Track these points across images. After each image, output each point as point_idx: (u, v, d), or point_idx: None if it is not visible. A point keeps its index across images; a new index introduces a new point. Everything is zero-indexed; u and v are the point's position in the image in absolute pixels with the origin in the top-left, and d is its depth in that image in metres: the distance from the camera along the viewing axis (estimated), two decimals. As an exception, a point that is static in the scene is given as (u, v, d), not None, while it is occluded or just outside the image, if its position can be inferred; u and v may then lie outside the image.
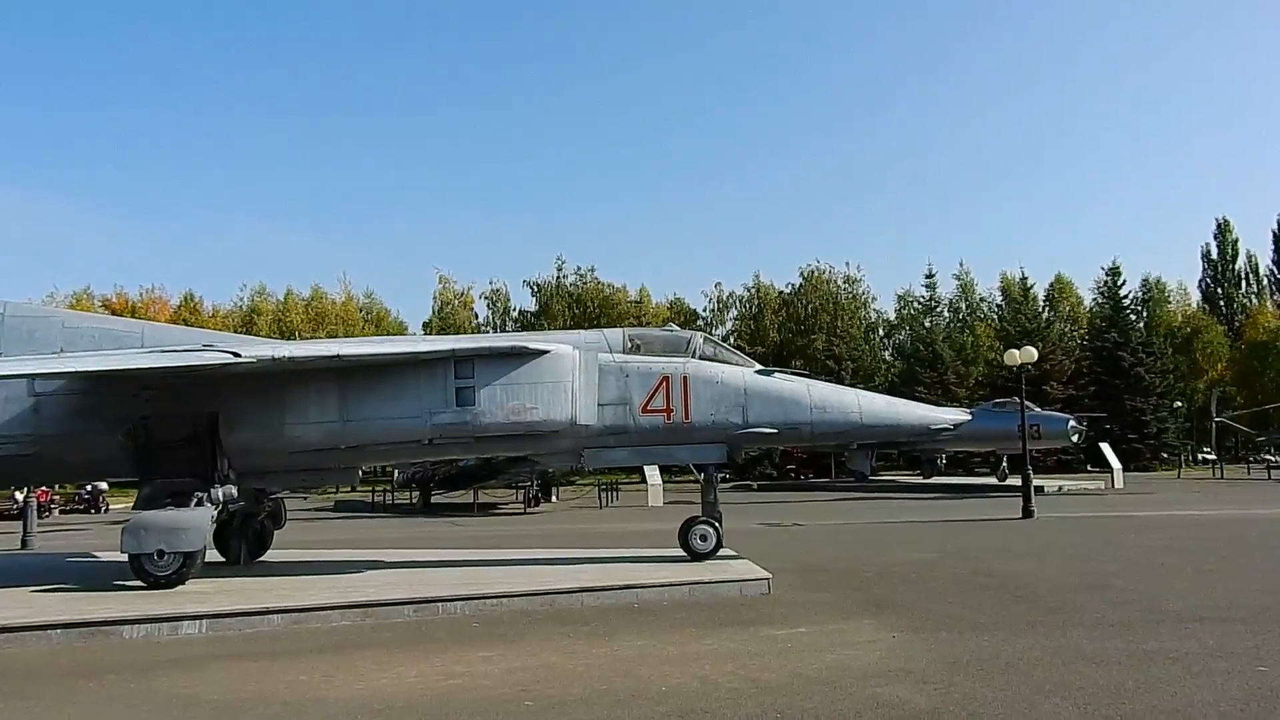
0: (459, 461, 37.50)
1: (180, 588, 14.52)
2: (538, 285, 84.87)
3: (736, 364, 17.20)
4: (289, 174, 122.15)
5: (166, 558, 14.48)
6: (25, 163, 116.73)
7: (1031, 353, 33.53)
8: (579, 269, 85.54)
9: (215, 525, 15.16)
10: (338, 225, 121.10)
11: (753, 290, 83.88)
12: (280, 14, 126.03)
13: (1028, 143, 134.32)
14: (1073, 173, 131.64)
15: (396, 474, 46.61)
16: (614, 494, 44.58)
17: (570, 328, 58.47)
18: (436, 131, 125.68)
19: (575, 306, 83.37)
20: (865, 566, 17.95)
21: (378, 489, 49.64)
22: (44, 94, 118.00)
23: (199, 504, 14.95)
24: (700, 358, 16.90)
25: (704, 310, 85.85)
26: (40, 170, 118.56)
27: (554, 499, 45.83)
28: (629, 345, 16.88)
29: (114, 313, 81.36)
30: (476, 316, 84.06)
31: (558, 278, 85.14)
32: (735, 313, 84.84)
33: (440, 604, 13.40)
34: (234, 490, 15.43)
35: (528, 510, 39.70)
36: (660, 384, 16.53)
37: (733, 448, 17.13)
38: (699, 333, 17.75)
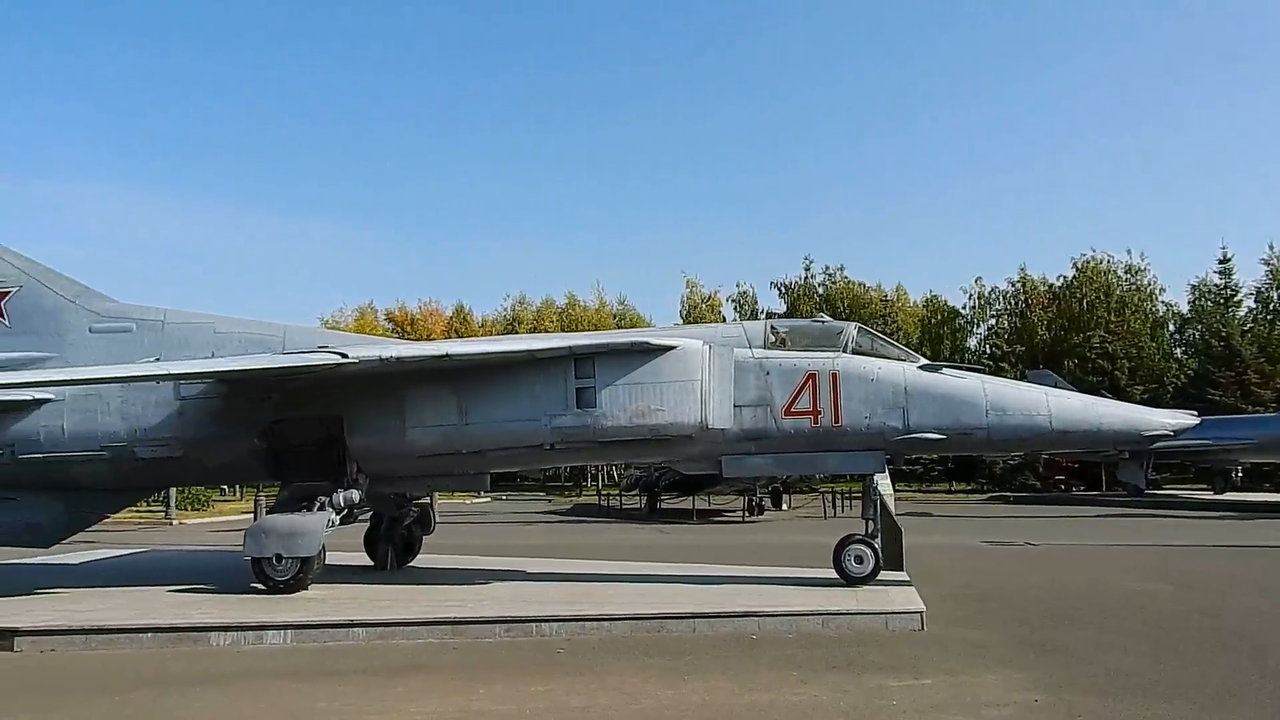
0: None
1: (302, 593, 14.28)
2: (785, 286, 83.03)
3: (897, 358, 14.95)
4: (545, 188, 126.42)
5: (285, 562, 14.29)
6: (305, 186, 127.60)
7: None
8: (827, 268, 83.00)
9: (333, 529, 14.76)
10: (589, 234, 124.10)
11: (1018, 285, 77.72)
12: (522, 33, 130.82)
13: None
14: None
15: (622, 478, 46.46)
16: (847, 503, 41.99)
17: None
18: (683, 137, 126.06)
19: (824, 307, 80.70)
20: (1058, 598, 15.19)
21: (611, 493, 49.85)
22: (326, 119, 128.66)
23: (320, 509, 14.65)
24: (854, 352, 14.82)
25: (963, 308, 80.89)
26: (322, 193, 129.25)
27: (784, 507, 43.94)
28: (772, 339, 15.07)
29: (395, 324, 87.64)
30: (724, 320, 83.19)
31: (805, 278, 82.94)
32: (998, 309, 79.01)
33: (535, 624, 12.29)
34: (355, 495, 15.01)
35: (746, 519, 38.02)
36: (806, 382, 14.59)
37: (892, 455, 14.89)
38: (853, 323, 15.61)
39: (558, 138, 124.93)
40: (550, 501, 58.35)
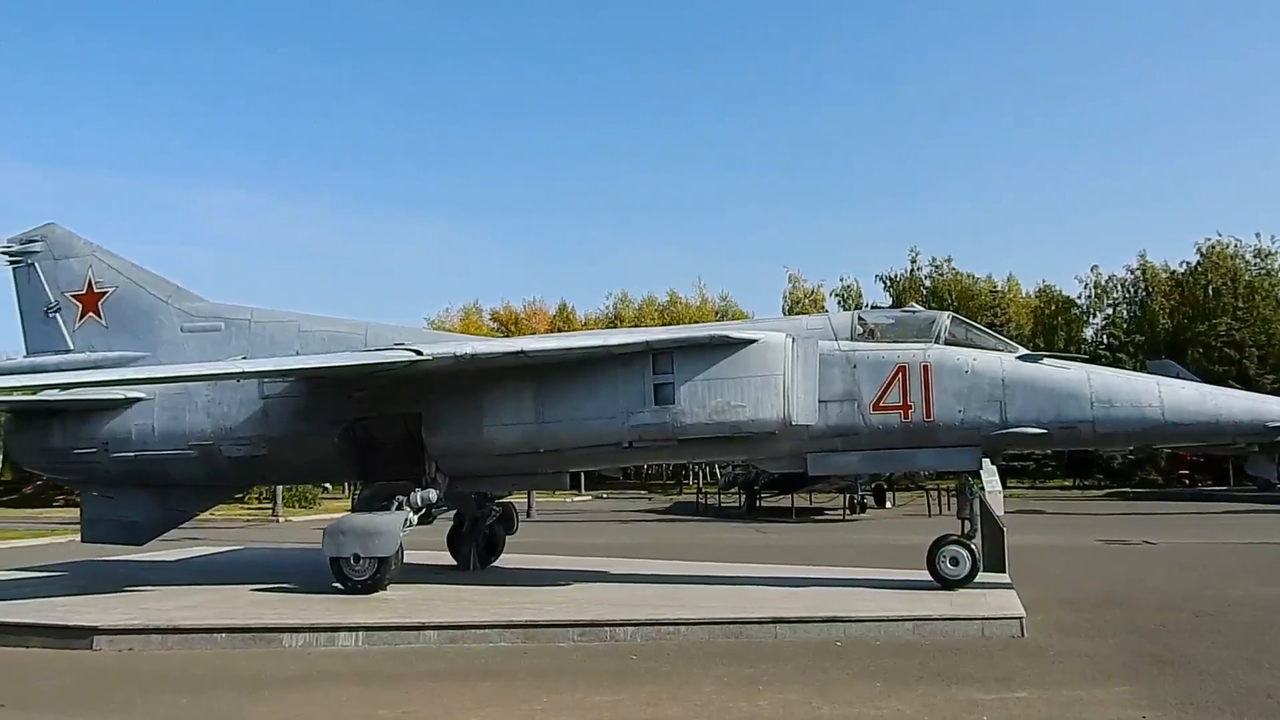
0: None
1: (380, 593, 14.16)
2: (891, 279, 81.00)
3: (994, 349, 14.05)
4: (646, 184, 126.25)
5: (362, 562, 14.19)
6: (414, 187, 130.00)
7: None
8: (934, 260, 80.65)
9: (411, 529, 14.61)
10: (692, 231, 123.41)
11: (1137, 272, 74.24)
12: (622, 32, 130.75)
13: None
14: None
15: (721, 476, 45.78)
16: (954, 500, 40.55)
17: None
18: (785, 132, 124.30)
19: (931, 300, 78.53)
20: (1178, 604, 14.06)
21: (711, 491, 49.26)
22: (432, 120, 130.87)
23: (398, 508, 14.52)
24: (947, 342, 13.99)
25: (1079, 298, 77.62)
26: (431, 194, 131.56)
27: (888, 504, 42.68)
28: (859, 330, 14.33)
29: (500, 324, 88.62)
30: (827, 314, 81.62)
31: (911, 270, 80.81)
32: (1116, 298, 75.64)
33: (609, 628, 11.89)
34: (433, 494, 14.82)
35: (847, 518, 36.99)
36: (895, 375, 13.83)
37: (989, 452, 13.99)
38: (946, 313, 14.75)
39: (660, 135, 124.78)
40: (650, 500, 58.05)
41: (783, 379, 13.55)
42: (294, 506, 46.36)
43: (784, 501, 40.71)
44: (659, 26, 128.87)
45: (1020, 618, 11.86)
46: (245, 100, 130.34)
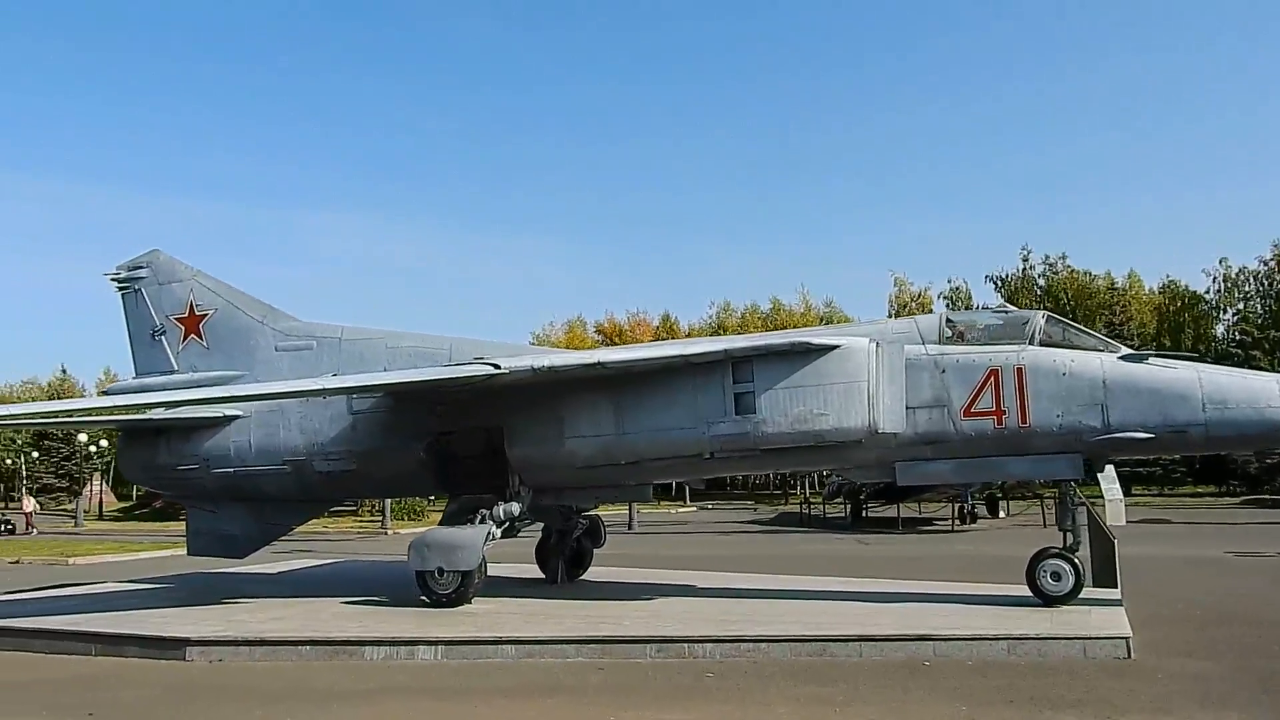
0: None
1: (464, 606, 14.18)
2: (1001, 279, 78.56)
3: (1093, 349, 13.30)
4: (749, 193, 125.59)
5: (446, 576, 14.23)
6: (519, 203, 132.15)
7: None
8: (1047, 258, 77.91)
9: (494, 542, 14.60)
10: (795, 238, 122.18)
11: (1271, 263, 70.12)
12: (720, 39, 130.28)
13: None
14: None
15: (825, 485, 44.88)
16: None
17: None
18: (887, 135, 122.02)
19: (1046, 300, 75.86)
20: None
21: (815, 501, 48.42)
22: (532, 134, 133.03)
23: (481, 521, 14.54)
24: (1042, 343, 13.28)
25: (1207, 292, 73.88)
26: (535, 210, 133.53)
27: (1001, 514, 41.16)
28: (948, 333, 13.73)
29: (604, 336, 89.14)
30: (936, 319, 79.54)
31: (1023, 269, 78.33)
32: (1248, 292, 71.69)
33: (686, 644, 11.58)
34: (516, 507, 14.79)
35: (956, 528, 35.79)
36: (987, 379, 13.19)
37: (1090, 458, 13.22)
38: (1041, 311, 14.01)
39: (760, 143, 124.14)
40: (755, 510, 57.39)
41: (867, 385, 13.05)
42: (403, 519, 47.31)
43: (892, 511, 39.69)
44: (753, 33, 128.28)
45: (1126, 637, 11.10)
46: (348, 124, 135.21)
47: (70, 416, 23.41)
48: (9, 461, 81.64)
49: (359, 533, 41.51)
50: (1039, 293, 76.32)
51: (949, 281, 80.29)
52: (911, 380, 13.43)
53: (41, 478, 78.82)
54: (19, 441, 78.44)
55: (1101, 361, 13.01)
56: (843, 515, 42.93)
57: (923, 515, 39.64)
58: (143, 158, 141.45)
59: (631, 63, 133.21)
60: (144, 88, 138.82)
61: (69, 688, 10.84)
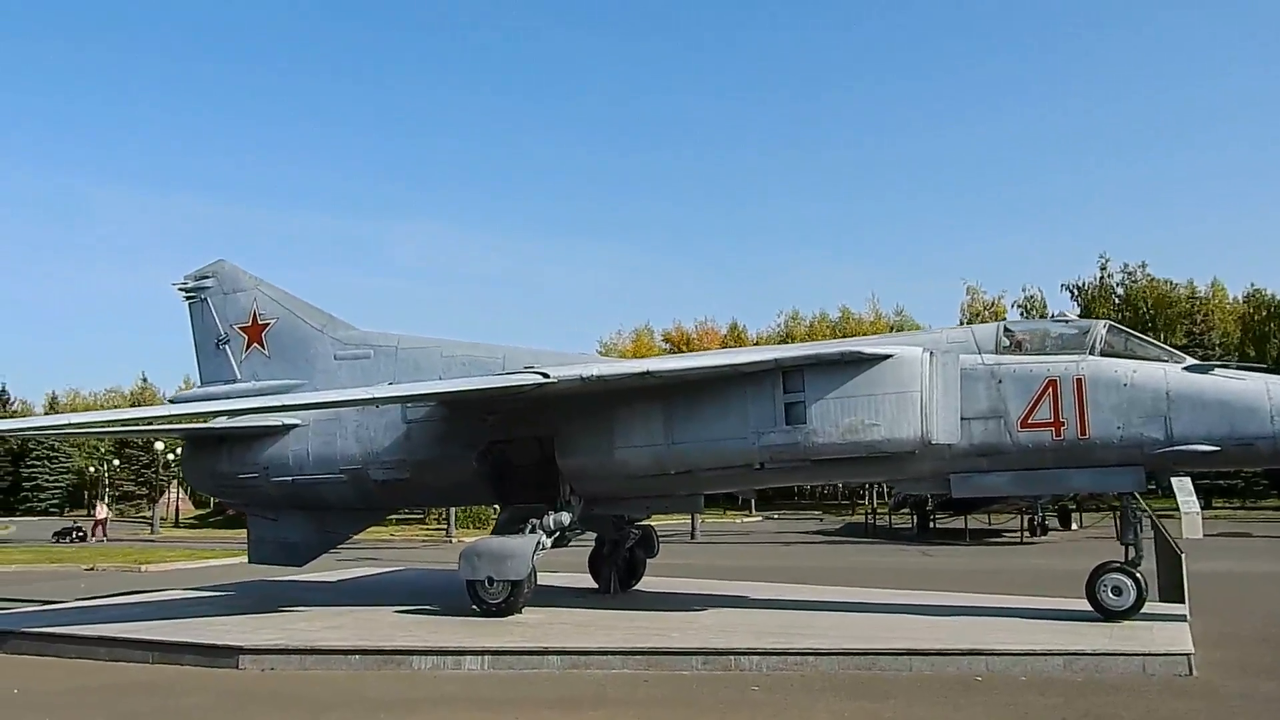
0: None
1: (515, 616, 14.21)
2: (1078, 288, 76.91)
3: (1156, 359, 12.90)
4: (820, 201, 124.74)
5: (496, 585, 14.27)
6: (588, 211, 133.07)
7: None
8: (1126, 266, 76.04)
9: (544, 551, 14.62)
10: (866, 246, 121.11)
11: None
12: (800, 53, 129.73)
13: None
14: None
15: (891, 496, 44.18)
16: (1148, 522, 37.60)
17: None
18: (961, 145, 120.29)
19: (1125, 309, 74.01)
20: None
21: (882, 511, 47.76)
22: (604, 144, 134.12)
23: (531, 531, 14.58)
24: (1103, 353, 12.92)
25: (1293, 300, 71.36)
26: (605, 218, 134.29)
27: (1074, 526, 40.16)
28: (1005, 343, 13.42)
29: (672, 344, 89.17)
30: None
31: (1101, 278, 76.58)
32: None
33: (733, 656, 11.45)
34: (566, 517, 14.79)
35: (1025, 540, 34.96)
36: (1045, 390, 12.87)
37: (1153, 471, 12.82)
38: (1102, 321, 13.63)
39: (830, 153, 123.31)
40: (821, 520, 56.79)
41: (920, 395, 12.80)
42: (468, 527, 47.79)
43: (959, 523, 38.95)
44: (828, 45, 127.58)
45: (1188, 654, 10.73)
46: (414, 134, 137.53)
47: (110, 426, 23.92)
48: (91, 469, 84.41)
49: (424, 540, 42.01)
50: (1117, 302, 74.55)
51: (1023, 290, 78.89)
52: (967, 390, 13.16)
53: (122, 485, 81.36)
54: (102, 449, 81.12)
55: (1165, 372, 12.62)
56: (909, 526, 42.28)
57: (991, 527, 38.83)
58: (229, 168, 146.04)
59: (708, 73, 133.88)
60: (238, 100, 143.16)
61: (127, 694, 11.06)
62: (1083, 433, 12.70)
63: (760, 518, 62.05)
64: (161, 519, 66.35)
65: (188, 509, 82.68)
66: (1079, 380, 12.78)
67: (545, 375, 13.72)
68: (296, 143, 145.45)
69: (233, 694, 10.91)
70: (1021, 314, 76.89)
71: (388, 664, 11.93)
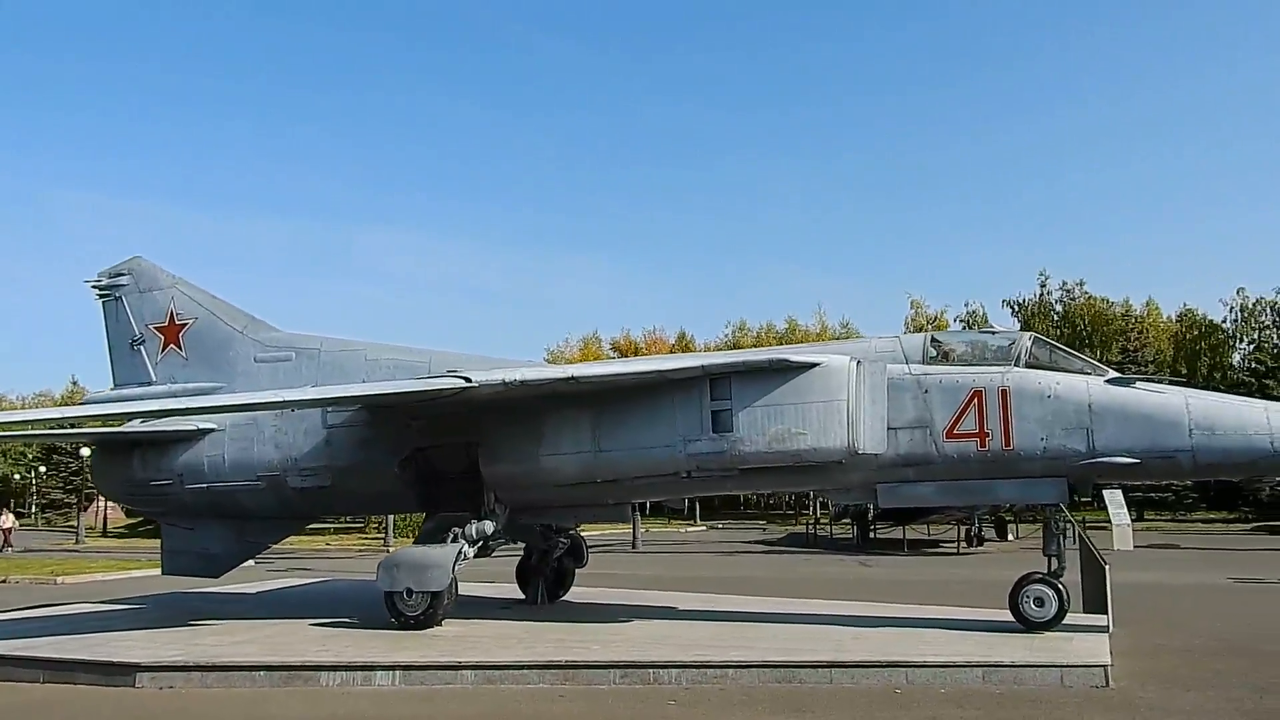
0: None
1: (436, 629, 13.81)
2: (1018, 304, 77.79)
3: (1080, 371, 12.91)
4: (770, 213, 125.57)
5: (415, 597, 13.85)
6: (541, 221, 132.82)
7: None
8: (1065, 284, 77.08)
9: (466, 562, 14.25)
10: (814, 258, 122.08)
11: (1288, 294, 69.14)
12: (743, 71, 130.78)
13: None
14: None
15: (832, 506, 44.20)
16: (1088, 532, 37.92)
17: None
18: (907, 160, 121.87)
19: (1063, 326, 75.15)
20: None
21: (824, 522, 47.80)
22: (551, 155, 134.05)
23: (453, 540, 14.19)
24: (1028, 365, 12.91)
25: (1224, 321, 72.89)
26: (554, 228, 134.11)
27: (1010, 536, 40.48)
28: (932, 353, 13.36)
29: (620, 353, 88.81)
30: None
31: (1040, 295, 77.50)
32: (1265, 322, 70.72)
33: (651, 670, 11.19)
34: (489, 526, 14.43)
35: (962, 550, 35.18)
36: (971, 401, 12.81)
37: (1076, 483, 12.82)
38: (1028, 333, 13.65)
39: (781, 166, 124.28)
40: (765, 530, 56.75)
41: (847, 404, 12.67)
42: (408, 536, 46.78)
43: (902, 533, 39.09)
44: (779, 59, 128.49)
45: (1105, 665, 10.70)
46: (388, 141, 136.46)
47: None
48: (17, 476, 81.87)
49: (361, 550, 41.14)
50: (1055, 318, 75.67)
51: (965, 305, 79.60)
52: (894, 400, 13.06)
53: (50, 492, 78.94)
54: (29, 456, 78.63)
55: (1088, 385, 12.64)
56: (850, 536, 42.35)
57: (930, 537, 39.03)
58: (202, 175, 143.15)
59: (657, 84, 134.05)
60: (190, 104, 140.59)
61: (9, 717, 10.50)
62: (1007, 444, 12.67)
63: (705, 527, 61.90)
64: (90, 528, 64.41)
65: (118, 517, 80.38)
66: (1004, 391, 12.75)
67: (467, 380, 13.35)
68: (244, 146, 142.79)
69: (127, 714, 10.41)
70: (964, 327, 77.82)
71: (294, 680, 11.46)
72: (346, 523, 58.17)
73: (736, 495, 62.76)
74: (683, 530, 58.00)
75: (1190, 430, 12.09)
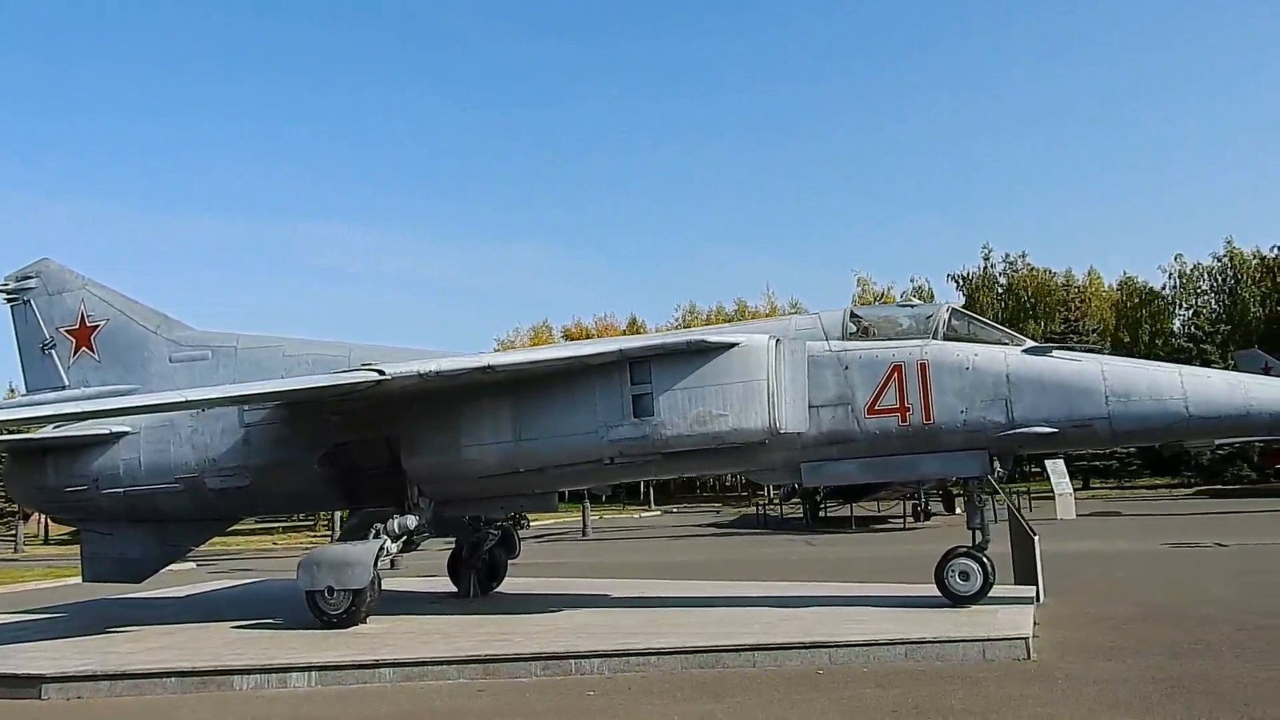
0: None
1: (358, 627, 13.52)
2: (963, 278, 78.87)
3: (998, 342, 12.89)
4: (718, 195, 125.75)
5: (337, 595, 13.56)
6: (485, 209, 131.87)
7: None
8: (1008, 256, 78.19)
9: (388, 558, 13.99)
10: (763, 239, 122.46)
11: (1224, 260, 70.68)
12: (695, 54, 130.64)
13: None
14: None
15: (781, 486, 44.31)
16: (1036, 503, 38.33)
17: (1002, 321, 51.26)
18: (844, 128, 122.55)
19: (1007, 298, 76.17)
20: (1227, 616, 12.65)
21: (775, 502, 47.91)
22: (493, 142, 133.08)
23: (375, 536, 13.89)
24: (946, 337, 12.87)
25: (1163, 289, 74.33)
26: (500, 217, 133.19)
27: (957, 510, 40.82)
28: (851, 329, 13.28)
29: (571, 340, 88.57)
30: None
31: (984, 268, 78.65)
32: (1203, 288, 72.17)
33: (573, 660, 11.00)
34: (412, 520, 14.15)
35: (908, 526, 35.40)
36: (891, 375, 12.75)
37: (997, 454, 12.82)
38: (945, 304, 13.61)
39: (729, 147, 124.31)
40: (719, 513, 56.87)
41: (767, 384, 12.54)
42: (356, 533, 46.24)
43: (849, 511, 39.26)
44: (725, 43, 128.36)
45: (1025, 638, 10.67)
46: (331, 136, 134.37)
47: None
48: (-43, 486, 79.94)
49: (308, 548, 40.52)
50: (1000, 290, 76.58)
51: (911, 280, 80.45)
52: (815, 378, 12.97)
53: (-10, 501, 77.08)
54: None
55: (1005, 356, 12.62)
56: (800, 516, 42.48)
57: (879, 514, 39.26)
58: (136, 170, 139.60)
59: (603, 69, 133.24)
60: (144, 99, 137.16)
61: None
62: (928, 418, 12.64)
63: (659, 512, 61.91)
64: (34, 535, 62.98)
65: (60, 525, 78.77)
66: (923, 365, 12.70)
67: (381, 372, 13.03)
68: (173, 141, 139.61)
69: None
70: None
71: (206, 685, 11.10)
72: (296, 521, 57.42)
73: (693, 478, 62.91)
74: (637, 516, 57.95)
75: (1106, 398, 12.11)
